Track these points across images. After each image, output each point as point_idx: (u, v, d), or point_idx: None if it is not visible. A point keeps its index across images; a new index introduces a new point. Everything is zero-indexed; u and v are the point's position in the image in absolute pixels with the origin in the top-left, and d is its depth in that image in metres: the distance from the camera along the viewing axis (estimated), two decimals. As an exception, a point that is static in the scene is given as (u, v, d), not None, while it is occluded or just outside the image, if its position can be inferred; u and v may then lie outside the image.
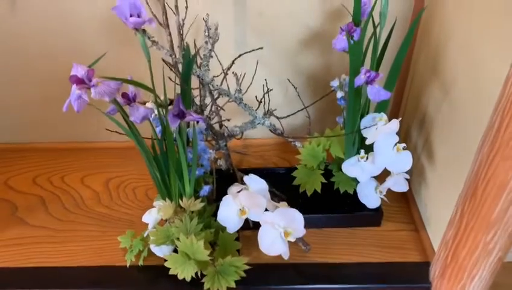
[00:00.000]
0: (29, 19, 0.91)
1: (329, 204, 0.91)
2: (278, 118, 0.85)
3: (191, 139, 0.71)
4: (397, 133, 0.80)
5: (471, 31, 0.70)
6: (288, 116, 0.86)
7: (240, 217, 0.73)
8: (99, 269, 0.84)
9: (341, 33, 0.74)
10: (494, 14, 0.64)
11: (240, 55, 0.77)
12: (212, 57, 0.80)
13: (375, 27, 0.75)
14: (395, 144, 0.81)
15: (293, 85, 0.89)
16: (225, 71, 0.77)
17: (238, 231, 0.76)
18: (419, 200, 0.93)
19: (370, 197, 0.89)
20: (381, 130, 0.81)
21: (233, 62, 0.76)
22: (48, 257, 0.86)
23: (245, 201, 0.73)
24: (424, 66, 0.89)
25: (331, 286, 0.82)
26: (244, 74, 0.80)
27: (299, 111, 0.88)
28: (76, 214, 0.95)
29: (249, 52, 0.78)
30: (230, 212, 0.73)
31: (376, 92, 0.70)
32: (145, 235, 0.81)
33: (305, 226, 0.89)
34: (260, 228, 0.72)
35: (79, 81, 0.55)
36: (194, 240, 0.70)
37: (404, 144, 0.81)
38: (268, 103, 0.82)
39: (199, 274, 0.76)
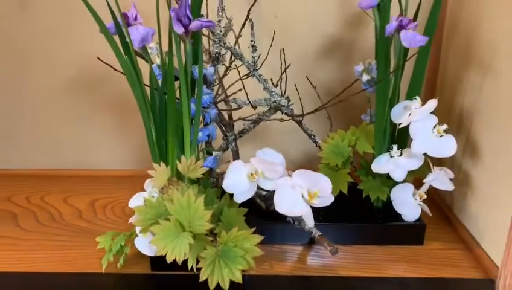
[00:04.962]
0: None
1: (359, 216, 0.75)
2: (297, 116, 0.74)
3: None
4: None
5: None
6: (308, 113, 0.76)
7: (250, 181, 0.58)
8: (64, 275, 0.65)
9: (366, -8, 0.69)
10: None
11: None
12: (225, 43, 0.73)
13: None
14: (435, 126, 0.69)
15: (311, 83, 0.80)
16: (238, 35, 0.70)
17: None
18: (466, 216, 0.77)
19: (408, 204, 0.74)
20: (416, 112, 0.70)
21: (246, 19, 0.68)
22: (7, 263, 0.68)
23: (258, 165, 0.59)
24: (456, 52, 0.81)
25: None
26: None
27: (318, 109, 0.77)
28: (50, 227, 0.79)
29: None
30: (239, 176, 0.58)
31: (411, 37, 0.61)
32: (130, 221, 0.64)
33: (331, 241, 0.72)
34: (276, 191, 0.56)
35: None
36: (191, 197, 0.54)
37: (445, 125, 0.69)
38: (286, 81, 0.73)
39: (194, 268, 0.57)
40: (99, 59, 0.61)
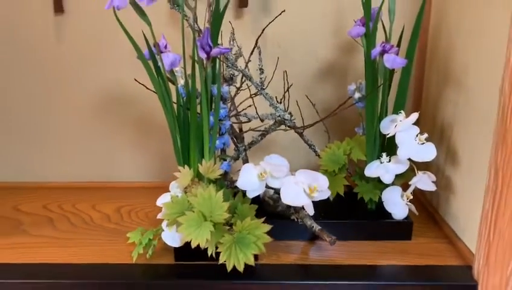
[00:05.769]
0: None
1: (354, 215, 0.86)
2: (298, 128, 0.86)
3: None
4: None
5: (475, 21, 0.77)
6: (308, 126, 0.87)
7: (260, 180, 0.69)
8: (100, 265, 0.76)
9: (356, 23, 0.81)
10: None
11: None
12: (237, 67, 0.86)
13: (384, 27, 0.83)
14: (417, 135, 0.80)
15: (310, 101, 0.93)
16: (247, 60, 0.82)
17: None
18: (449, 215, 0.87)
19: (397, 204, 0.84)
20: (401, 124, 0.82)
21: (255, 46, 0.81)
22: (48, 256, 0.79)
23: (267, 166, 0.70)
24: (437, 72, 0.93)
25: (368, 282, 0.72)
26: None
27: (316, 122, 0.89)
28: (83, 228, 0.89)
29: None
30: (251, 176, 0.70)
31: (392, 60, 0.74)
32: (158, 217, 0.75)
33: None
34: (282, 187, 0.67)
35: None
36: (212, 191, 0.65)
37: (426, 134, 0.80)
38: (288, 99, 0.85)
39: (214, 253, 0.68)
40: (136, 80, 0.74)
